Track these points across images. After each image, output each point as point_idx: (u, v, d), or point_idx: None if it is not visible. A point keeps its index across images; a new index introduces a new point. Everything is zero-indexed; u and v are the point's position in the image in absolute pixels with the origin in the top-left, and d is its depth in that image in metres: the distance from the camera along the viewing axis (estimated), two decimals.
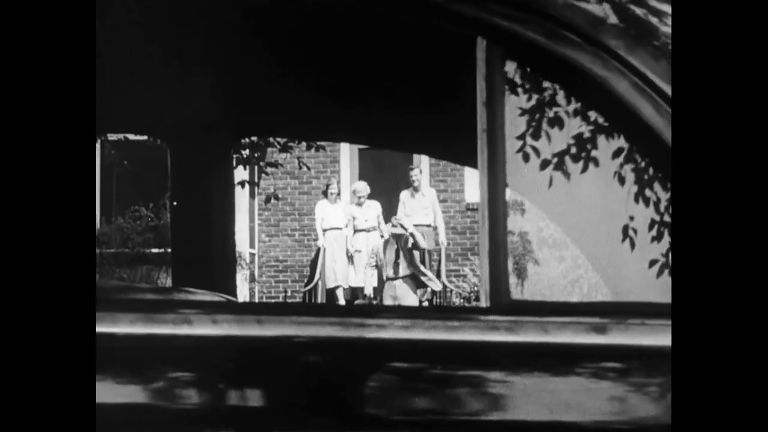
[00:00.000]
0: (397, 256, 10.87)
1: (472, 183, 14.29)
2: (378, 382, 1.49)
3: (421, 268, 10.82)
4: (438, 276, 12.70)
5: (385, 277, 10.69)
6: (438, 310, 1.57)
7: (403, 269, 10.79)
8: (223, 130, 2.82)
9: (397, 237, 10.76)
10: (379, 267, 11.15)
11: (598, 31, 1.55)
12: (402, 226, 10.64)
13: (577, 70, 1.55)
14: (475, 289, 12.53)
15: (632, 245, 1.56)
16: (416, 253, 10.74)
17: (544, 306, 1.57)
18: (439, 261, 12.75)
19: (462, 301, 12.45)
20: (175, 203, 2.95)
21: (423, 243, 10.86)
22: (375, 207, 12.84)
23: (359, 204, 12.80)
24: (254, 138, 8.07)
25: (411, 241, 10.65)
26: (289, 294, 13.98)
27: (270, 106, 2.78)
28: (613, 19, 1.57)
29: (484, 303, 1.52)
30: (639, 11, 1.60)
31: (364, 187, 12.80)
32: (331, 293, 12.67)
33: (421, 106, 2.58)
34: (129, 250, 13.00)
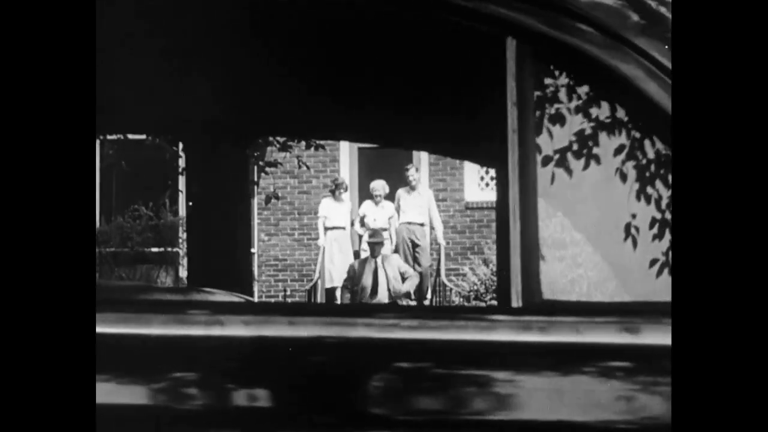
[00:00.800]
0: (375, 281, 10.44)
1: (472, 182, 14.29)
2: (398, 383, 1.48)
3: (403, 296, 10.47)
4: (438, 275, 12.66)
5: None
6: (470, 311, 1.57)
7: (383, 296, 10.43)
8: (238, 130, 2.79)
9: (372, 252, 10.18)
10: (352, 291, 10.76)
11: (625, 28, 1.55)
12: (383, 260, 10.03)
13: (605, 68, 1.55)
14: (475, 288, 12.51)
15: (634, 244, 1.56)
16: (405, 285, 10.38)
17: (576, 306, 1.57)
18: (439, 260, 12.72)
19: (462, 300, 12.42)
20: (190, 203, 2.96)
21: (413, 275, 10.47)
22: (388, 209, 12.69)
23: (376, 203, 12.68)
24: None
25: (400, 271, 10.16)
26: (288, 293, 13.95)
27: (287, 108, 2.76)
28: (635, 17, 1.58)
29: (515, 303, 1.52)
30: (660, 7, 1.60)
31: (381, 186, 12.61)
32: (330, 293, 12.64)
33: (445, 106, 2.56)
34: (128, 249, 12.98)
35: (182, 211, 13.48)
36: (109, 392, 1.42)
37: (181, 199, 12.55)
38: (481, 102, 1.97)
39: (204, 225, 2.85)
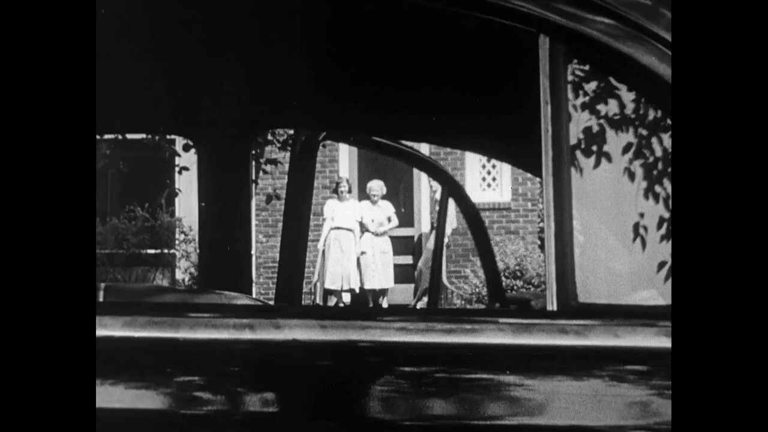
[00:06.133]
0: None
1: (474, 182, 14.30)
2: (435, 387, 1.47)
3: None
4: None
5: None
6: (504, 314, 1.56)
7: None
8: (248, 128, 2.81)
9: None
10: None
11: (657, 24, 1.55)
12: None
13: (639, 66, 1.54)
14: (476, 290, 12.50)
15: (643, 244, 1.57)
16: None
17: (612, 309, 1.54)
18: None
19: (463, 302, 12.42)
20: (203, 204, 2.96)
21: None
22: (386, 209, 12.69)
23: (373, 203, 12.67)
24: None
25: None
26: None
27: (309, 106, 2.76)
28: (668, 14, 1.57)
29: (550, 306, 1.51)
30: None
31: (378, 186, 12.66)
32: (329, 294, 12.64)
33: (476, 104, 2.56)
34: (124, 251, 12.95)
35: (178, 212, 13.47)
36: (136, 397, 1.43)
37: (179, 199, 12.52)
38: (514, 100, 1.96)
39: (213, 226, 2.87)
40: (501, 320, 1.53)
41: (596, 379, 1.47)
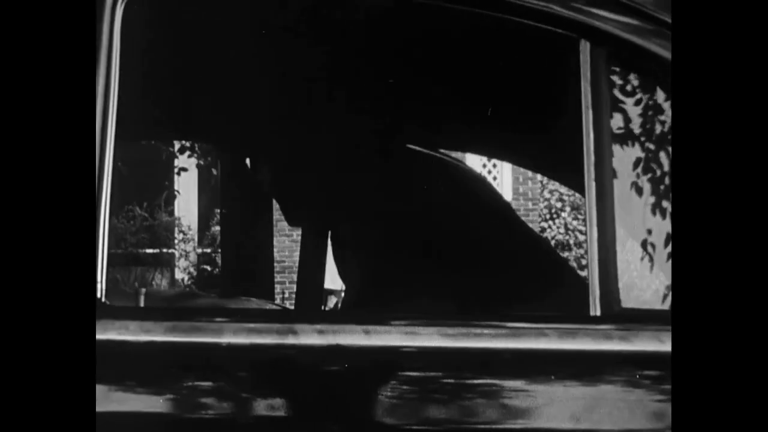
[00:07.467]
0: None
1: None
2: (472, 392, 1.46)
3: None
4: None
5: None
6: (546, 319, 1.53)
7: None
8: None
9: None
10: None
11: None
12: None
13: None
14: None
15: (651, 262, 1.57)
16: None
17: (655, 314, 1.54)
18: None
19: None
20: (224, 210, 2.94)
21: None
22: None
23: None
24: None
25: None
26: (286, 296, 13.92)
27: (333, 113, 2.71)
28: None
29: (594, 311, 1.50)
30: None
31: None
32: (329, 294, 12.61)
33: (515, 112, 2.53)
34: (122, 251, 12.95)
35: (177, 211, 13.45)
36: (163, 402, 1.41)
37: (178, 200, 12.51)
38: (552, 107, 1.94)
39: (235, 232, 2.86)
40: (544, 325, 1.51)
41: (640, 385, 1.47)
